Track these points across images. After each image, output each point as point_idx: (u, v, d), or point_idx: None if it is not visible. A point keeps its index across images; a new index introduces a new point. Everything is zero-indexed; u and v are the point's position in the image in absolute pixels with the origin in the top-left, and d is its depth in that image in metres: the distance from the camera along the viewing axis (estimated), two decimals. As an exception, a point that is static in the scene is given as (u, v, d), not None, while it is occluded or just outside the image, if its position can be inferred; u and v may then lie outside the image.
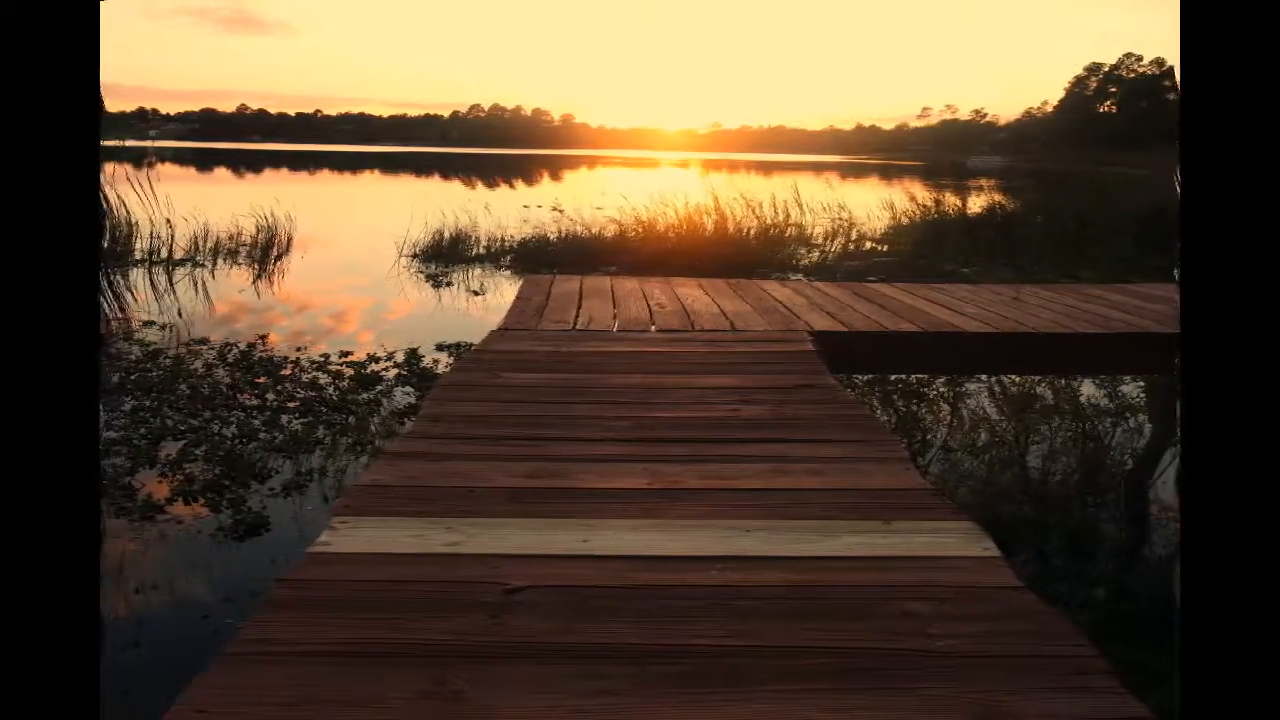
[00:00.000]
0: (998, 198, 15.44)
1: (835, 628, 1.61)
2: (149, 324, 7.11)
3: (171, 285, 9.13)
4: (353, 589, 1.74)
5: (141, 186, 10.78)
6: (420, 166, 47.53)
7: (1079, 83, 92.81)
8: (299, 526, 3.40)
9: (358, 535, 1.98)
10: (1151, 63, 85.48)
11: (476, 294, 9.11)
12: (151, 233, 10.65)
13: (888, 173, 42.74)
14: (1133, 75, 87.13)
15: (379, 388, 5.26)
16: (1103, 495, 4.24)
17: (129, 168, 11.26)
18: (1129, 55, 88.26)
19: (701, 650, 1.53)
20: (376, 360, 5.90)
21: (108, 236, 9.74)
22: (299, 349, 6.22)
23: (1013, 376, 5.79)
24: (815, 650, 1.53)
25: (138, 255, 10.44)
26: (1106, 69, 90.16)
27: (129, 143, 12.35)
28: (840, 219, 13.39)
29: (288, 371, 5.57)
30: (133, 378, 5.32)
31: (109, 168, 10.03)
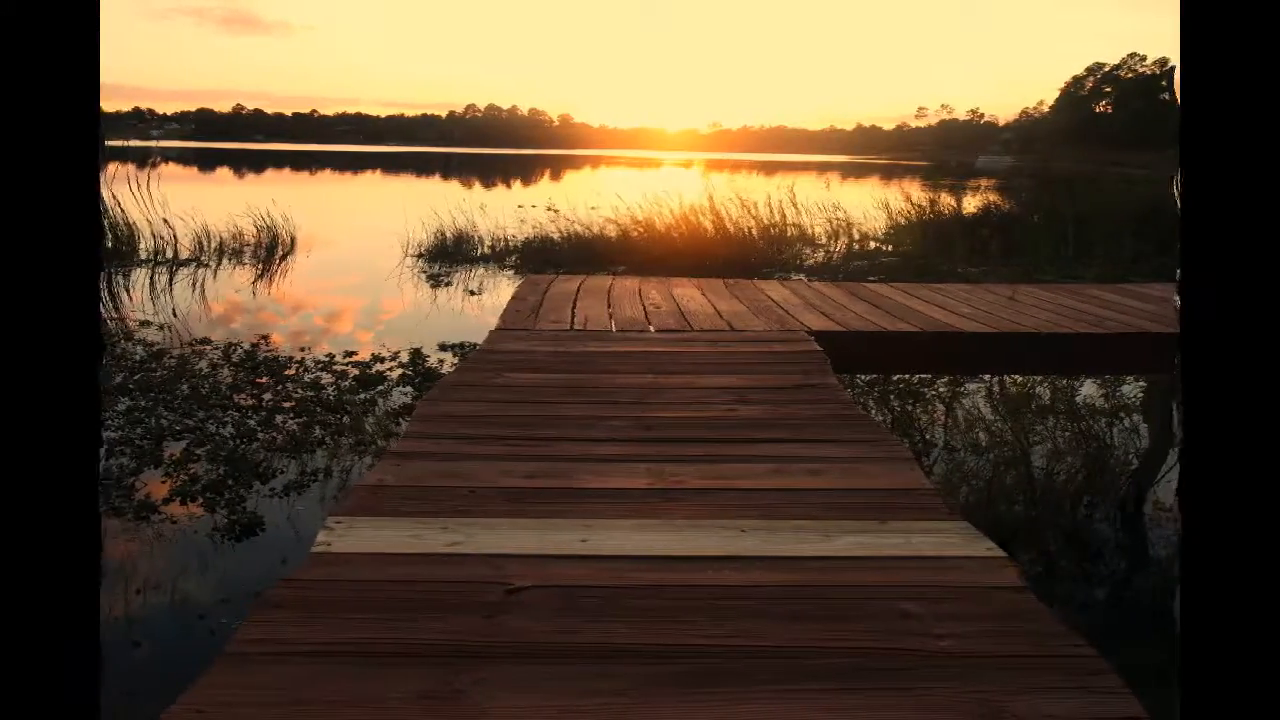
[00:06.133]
0: (1004, 198, 15.42)
1: (835, 628, 1.61)
2: (146, 324, 7.12)
3: (172, 286, 9.13)
4: (352, 589, 1.74)
5: (143, 187, 10.78)
6: (419, 166, 47.56)
7: (1076, 83, 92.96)
8: (299, 527, 3.40)
9: (357, 535, 1.98)
10: (1155, 62, 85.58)
11: (473, 294, 9.11)
12: (153, 233, 10.65)
13: (893, 173, 42.68)
14: (1132, 75, 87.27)
15: (381, 387, 5.26)
16: (1103, 496, 4.24)
17: (132, 168, 11.26)
18: (1132, 55, 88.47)
19: (701, 650, 1.53)
20: (380, 360, 5.91)
21: (110, 237, 9.75)
22: (302, 349, 6.24)
23: (1013, 377, 5.79)
24: (815, 650, 1.53)
25: (142, 255, 10.44)
26: (1107, 69, 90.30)
27: (133, 142, 12.36)
28: (841, 219, 13.37)
29: (291, 371, 5.58)
30: (136, 378, 5.32)
31: (110, 168, 10.04)
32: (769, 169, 43.31)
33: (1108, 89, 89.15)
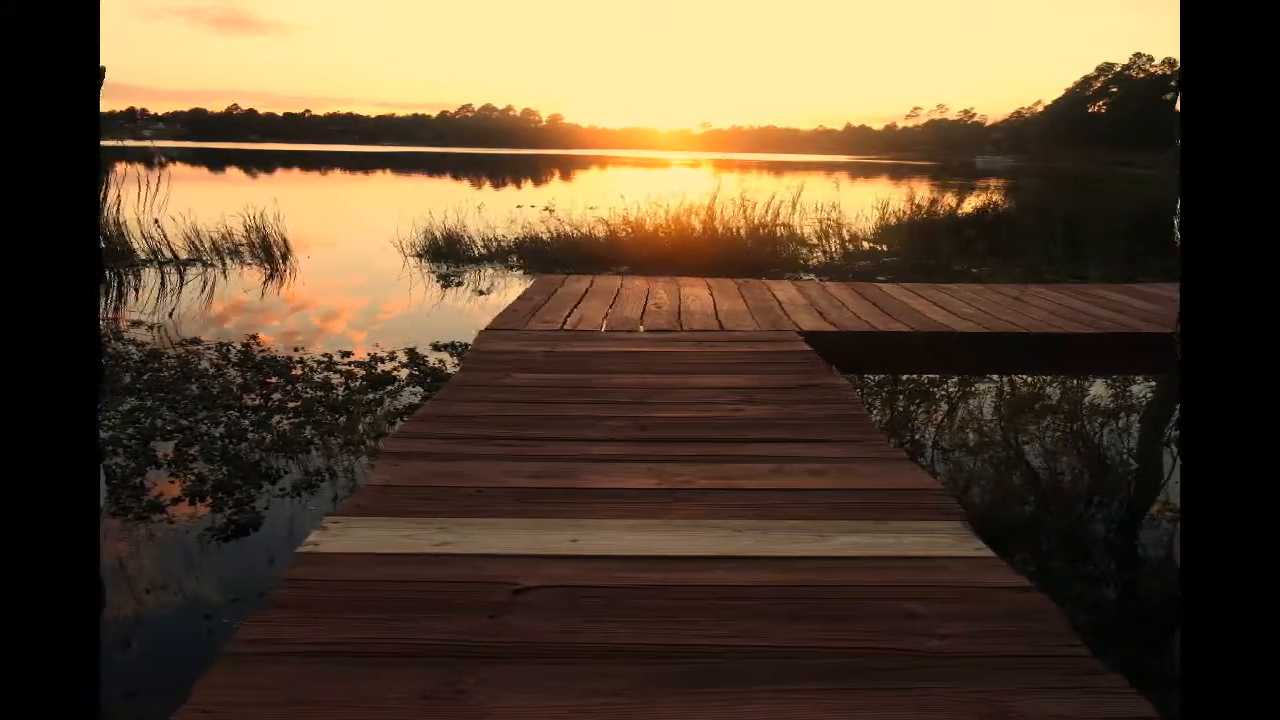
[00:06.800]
0: (1007, 198, 15.38)
1: (835, 628, 1.60)
2: (138, 324, 7.13)
3: (183, 284, 9.12)
4: (353, 589, 1.74)
5: (151, 187, 10.79)
6: (417, 166, 47.50)
7: (1084, 83, 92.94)
8: (301, 526, 3.40)
9: (356, 535, 1.98)
10: (1163, 62, 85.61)
11: (483, 293, 9.12)
12: (144, 233, 10.63)
13: (898, 173, 42.58)
14: (1142, 76, 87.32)
15: (390, 387, 5.27)
16: (1106, 495, 4.23)
17: (140, 168, 11.26)
18: (1138, 55, 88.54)
19: (701, 650, 1.53)
20: (381, 360, 5.91)
21: (111, 236, 9.76)
22: (296, 349, 6.24)
23: (1023, 377, 5.78)
24: (815, 650, 1.53)
25: (142, 255, 10.44)
26: (1118, 69, 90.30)
27: (128, 143, 12.32)
28: (837, 219, 13.32)
29: (298, 371, 5.59)
30: (144, 377, 5.34)
31: (120, 168, 10.05)
32: (763, 169, 43.16)
33: (1114, 89, 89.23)
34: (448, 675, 1.45)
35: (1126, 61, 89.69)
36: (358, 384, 5.28)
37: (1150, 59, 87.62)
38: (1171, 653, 2.38)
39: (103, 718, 1.14)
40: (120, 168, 10.12)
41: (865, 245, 12.60)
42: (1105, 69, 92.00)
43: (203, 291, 8.88)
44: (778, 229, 12.19)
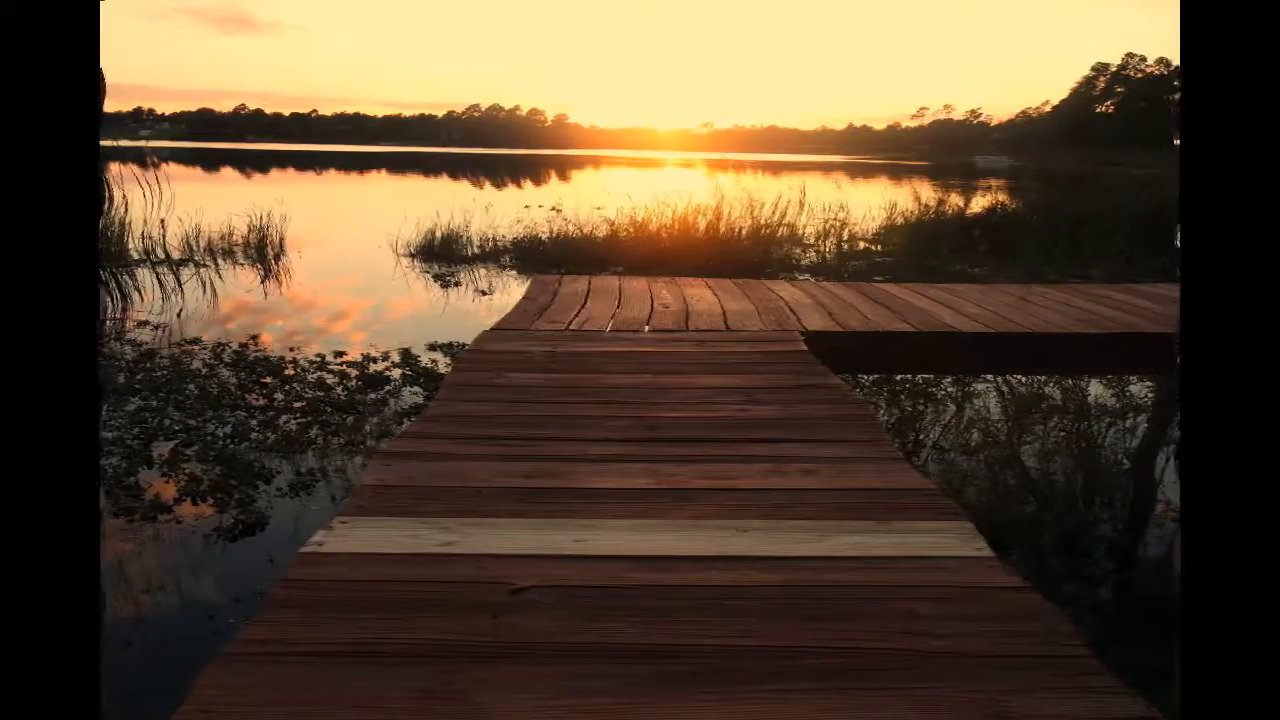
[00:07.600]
0: (1007, 198, 15.40)
1: (834, 628, 1.61)
2: (143, 324, 7.12)
3: (180, 284, 9.10)
4: (352, 589, 1.74)
5: (148, 186, 10.76)
6: (420, 166, 47.48)
7: (1087, 83, 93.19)
8: (300, 526, 3.40)
9: (357, 535, 1.98)
10: (1158, 62, 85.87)
11: (484, 294, 9.11)
12: (144, 233, 10.62)
13: (893, 172, 42.56)
14: (1139, 75, 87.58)
15: (387, 388, 5.27)
16: (1106, 495, 4.23)
17: (135, 168, 11.23)
18: (1131, 55, 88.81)
19: (701, 650, 1.53)
20: (375, 360, 5.92)
21: (107, 237, 9.73)
22: (293, 349, 6.25)
23: (1020, 376, 5.78)
24: (814, 650, 1.53)
25: (135, 255, 10.41)
26: (1113, 69, 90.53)
27: (122, 142, 12.26)
28: (840, 219, 13.33)
29: (291, 371, 5.59)
30: (137, 378, 5.33)
31: (114, 168, 10.02)
32: (767, 169, 43.10)
33: (1119, 89, 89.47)
34: (450, 675, 1.45)
35: (1120, 61, 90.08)
36: (354, 384, 5.29)
37: (1143, 59, 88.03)
38: (1171, 652, 2.38)
39: (103, 718, 1.14)
40: (114, 168, 10.08)
41: (862, 246, 12.61)
42: (1101, 68, 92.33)
43: (196, 292, 8.87)
44: (781, 229, 12.20)
